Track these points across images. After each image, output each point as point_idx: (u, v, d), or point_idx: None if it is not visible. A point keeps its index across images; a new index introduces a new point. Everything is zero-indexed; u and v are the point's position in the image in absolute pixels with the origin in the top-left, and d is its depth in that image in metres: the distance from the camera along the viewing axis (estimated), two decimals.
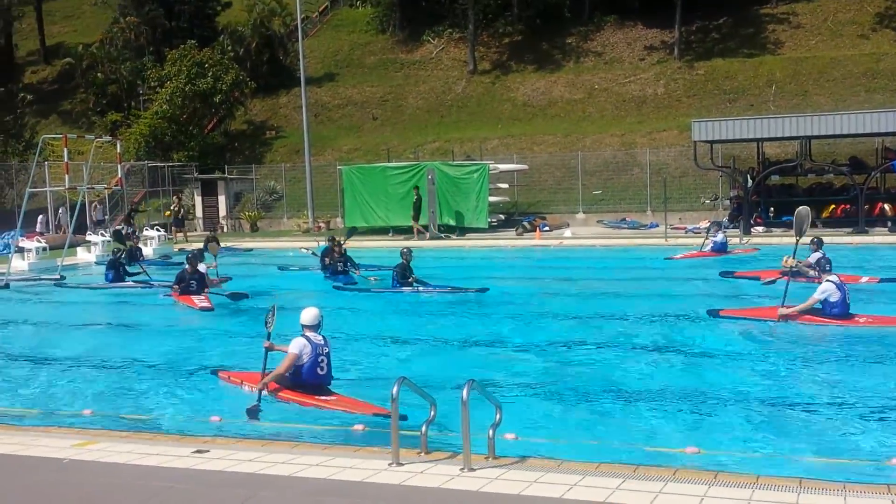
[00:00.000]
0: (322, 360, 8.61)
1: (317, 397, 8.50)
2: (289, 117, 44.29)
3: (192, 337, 12.97)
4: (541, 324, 13.23)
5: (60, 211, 33.75)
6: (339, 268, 18.91)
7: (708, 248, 21.87)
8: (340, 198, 34.64)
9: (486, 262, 24.13)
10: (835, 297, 11.89)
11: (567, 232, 29.60)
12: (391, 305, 15.22)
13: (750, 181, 27.91)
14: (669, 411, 8.24)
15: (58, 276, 21.10)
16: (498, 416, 6.47)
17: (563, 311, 14.19)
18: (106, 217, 34.12)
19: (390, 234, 31.52)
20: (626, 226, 30.87)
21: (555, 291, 16.88)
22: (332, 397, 8.56)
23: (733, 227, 27.77)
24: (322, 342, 8.69)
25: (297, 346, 8.59)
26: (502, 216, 32.84)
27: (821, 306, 12.01)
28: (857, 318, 11.89)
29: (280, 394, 8.72)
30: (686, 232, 28.14)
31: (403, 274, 16.34)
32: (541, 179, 35.11)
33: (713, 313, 12.94)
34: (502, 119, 40.69)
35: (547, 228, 30.60)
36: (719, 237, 21.84)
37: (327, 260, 19.31)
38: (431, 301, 15.54)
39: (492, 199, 31.44)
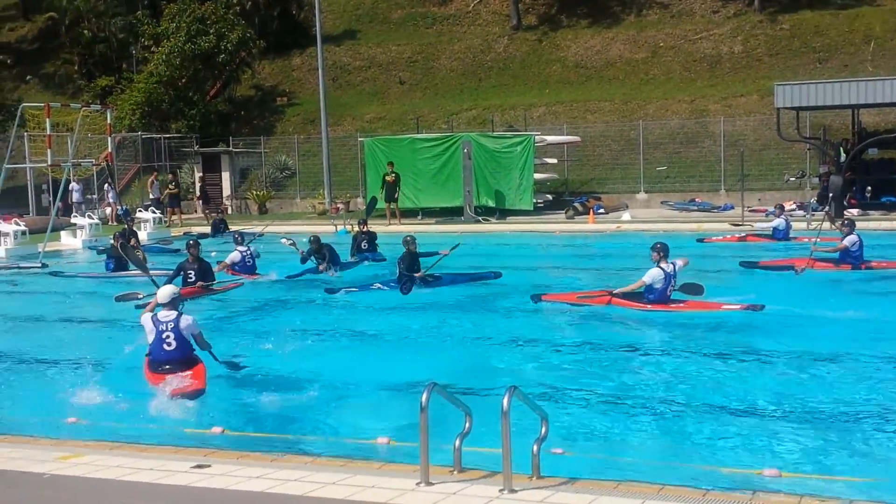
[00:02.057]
0: (168, 337, 9.85)
1: (161, 375, 9.78)
2: (303, 81, 44.44)
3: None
4: (591, 322, 13.17)
5: (72, 186, 34.23)
6: (248, 262, 18.57)
7: (767, 233, 21.81)
8: (362, 174, 34.73)
9: (530, 249, 24.05)
10: (659, 285, 13.27)
11: (625, 215, 29.42)
12: (406, 300, 15.23)
13: (843, 155, 27.49)
14: (745, 424, 8.17)
15: (39, 264, 21.43)
16: (544, 429, 6.46)
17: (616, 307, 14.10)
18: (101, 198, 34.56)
19: (419, 217, 31.57)
20: (695, 207, 30.62)
21: (609, 283, 16.76)
22: (187, 372, 9.72)
23: (823, 210, 27.43)
24: (170, 319, 9.89)
25: (142, 321, 10.16)
26: (550, 196, 32.75)
27: (643, 290, 13.48)
28: (672, 304, 13.35)
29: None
30: (766, 215, 27.82)
31: (411, 266, 16.15)
32: (595, 153, 34.90)
33: (536, 298, 14.28)
34: (550, 83, 40.48)
35: (602, 211, 30.43)
36: (777, 222, 21.68)
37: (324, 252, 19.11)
38: (452, 294, 15.52)
39: (537, 176, 31.35)
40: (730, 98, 35.31)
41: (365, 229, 20.82)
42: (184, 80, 40.41)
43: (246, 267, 18.04)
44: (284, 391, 9.78)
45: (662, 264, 13.27)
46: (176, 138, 39.33)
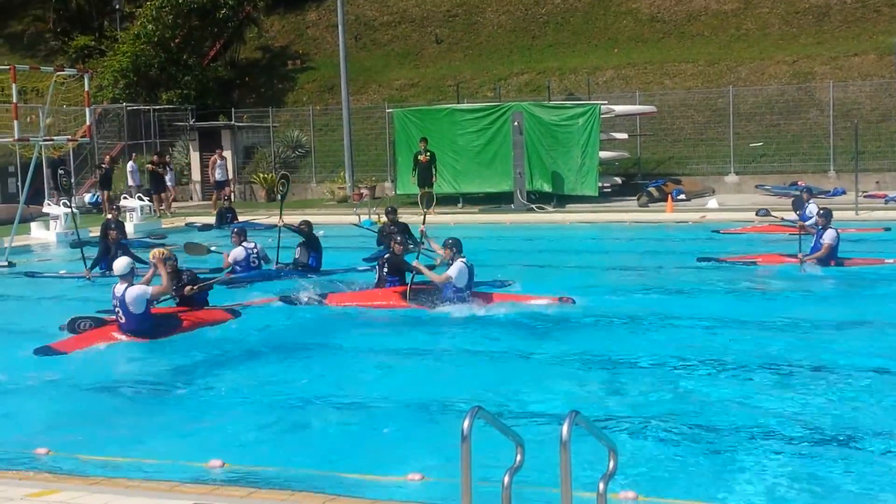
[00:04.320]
0: (118, 311, 12.94)
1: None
2: (319, 41, 44.63)
3: (195, 349, 13.21)
4: (667, 334, 13.14)
5: (130, 166, 34.90)
6: (254, 262, 18.22)
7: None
8: (391, 153, 34.80)
9: (594, 244, 23.93)
10: (463, 282, 14.61)
11: (711, 202, 29.24)
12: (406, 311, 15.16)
13: None
14: (866, 460, 8.10)
15: (5, 263, 21.65)
16: (611, 464, 6.42)
17: (701, 314, 14.11)
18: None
19: (460, 206, 31.58)
20: (797, 192, 30.35)
21: (696, 286, 16.78)
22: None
23: None
24: (121, 294, 12.80)
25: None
26: (619, 180, 32.64)
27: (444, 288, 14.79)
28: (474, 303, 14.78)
29: None
30: (886, 202, 27.54)
31: (398, 269, 15.72)
32: (675, 127, 34.71)
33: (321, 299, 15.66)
34: (620, 40, 40.29)
35: (682, 197, 30.27)
36: (808, 210, 21.22)
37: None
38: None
39: (603, 154, 31.24)
40: (841, 58, 34.94)
41: (394, 220, 20.87)
42: (177, 41, 40.74)
43: (250, 268, 18.06)
44: (294, 418, 9.83)
45: (460, 260, 14.65)
46: (167, 110, 39.67)
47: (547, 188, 30.93)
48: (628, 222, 27.05)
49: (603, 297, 15.61)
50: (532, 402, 10.01)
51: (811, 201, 21.96)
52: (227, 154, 38.42)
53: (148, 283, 13.57)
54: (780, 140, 33.18)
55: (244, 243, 18.21)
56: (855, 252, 18.37)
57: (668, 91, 35.61)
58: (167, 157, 36.12)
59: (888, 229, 22.37)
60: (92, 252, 20.12)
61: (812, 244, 17.51)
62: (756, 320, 13.67)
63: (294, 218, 22.29)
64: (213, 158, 35.59)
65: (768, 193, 30.85)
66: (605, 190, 31.37)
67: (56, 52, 46.43)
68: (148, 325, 13.15)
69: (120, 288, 12.82)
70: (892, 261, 17.70)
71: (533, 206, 30.06)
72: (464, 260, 14.70)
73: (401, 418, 9.70)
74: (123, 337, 13.04)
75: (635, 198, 30.55)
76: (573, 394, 10.35)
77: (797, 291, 16.11)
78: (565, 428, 6.03)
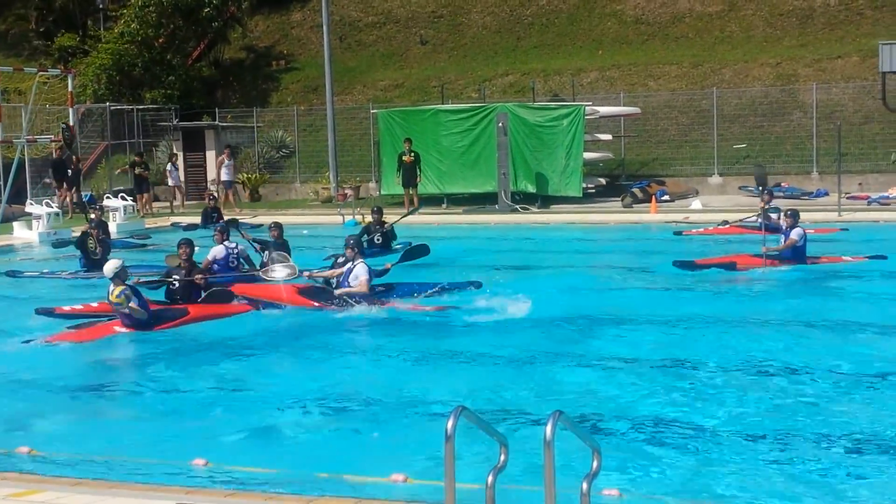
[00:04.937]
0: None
1: None
2: (304, 41, 44.54)
3: (181, 348, 13.20)
4: (644, 333, 13.21)
5: (169, 167, 34.98)
6: (233, 262, 18.25)
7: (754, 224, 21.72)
8: (375, 154, 34.77)
9: (570, 244, 23.92)
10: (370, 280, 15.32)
11: (695, 203, 29.30)
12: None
13: None
14: (857, 459, 8.14)
15: None
16: (595, 464, 6.43)
17: (677, 314, 14.21)
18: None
19: (444, 206, 31.57)
20: (780, 194, 30.41)
21: (671, 285, 16.85)
22: None
23: None
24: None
25: None
26: (602, 181, 32.65)
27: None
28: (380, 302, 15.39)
29: None
30: (868, 203, 27.63)
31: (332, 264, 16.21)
32: (659, 128, 34.75)
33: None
34: (604, 42, 40.33)
35: (666, 198, 30.32)
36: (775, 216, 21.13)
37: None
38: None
39: (588, 155, 31.27)
40: (824, 60, 35.05)
41: (379, 220, 20.86)
42: (161, 40, 40.59)
43: (229, 268, 17.89)
44: (278, 417, 9.83)
45: (361, 262, 15.35)
46: (151, 110, 39.54)
47: (531, 189, 30.93)
48: (611, 223, 27.10)
49: (580, 297, 15.65)
50: (515, 403, 10.02)
51: (772, 202, 22.12)
52: (211, 155, 38.40)
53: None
54: (764, 142, 33.27)
55: (226, 242, 18.05)
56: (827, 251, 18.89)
57: (653, 92, 35.67)
58: (174, 157, 36.04)
59: (845, 230, 22.64)
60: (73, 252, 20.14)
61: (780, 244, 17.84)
62: (735, 320, 13.76)
63: (276, 219, 22.25)
64: (220, 158, 35.56)
65: (751, 195, 30.90)
66: (590, 191, 31.39)
67: (39, 52, 46.22)
68: (145, 321, 13.70)
69: (110, 289, 13.38)
70: (849, 258, 18.32)
71: (517, 206, 30.07)
72: (363, 261, 15.39)
73: (384, 419, 9.71)
74: (124, 329, 13.65)
75: (619, 199, 30.60)
76: (557, 394, 10.38)
77: (771, 290, 16.39)
78: (549, 428, 6.04)
